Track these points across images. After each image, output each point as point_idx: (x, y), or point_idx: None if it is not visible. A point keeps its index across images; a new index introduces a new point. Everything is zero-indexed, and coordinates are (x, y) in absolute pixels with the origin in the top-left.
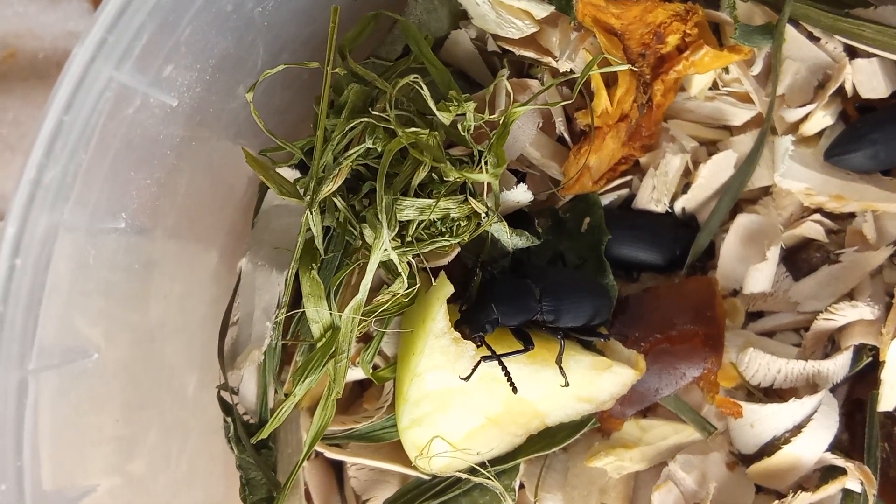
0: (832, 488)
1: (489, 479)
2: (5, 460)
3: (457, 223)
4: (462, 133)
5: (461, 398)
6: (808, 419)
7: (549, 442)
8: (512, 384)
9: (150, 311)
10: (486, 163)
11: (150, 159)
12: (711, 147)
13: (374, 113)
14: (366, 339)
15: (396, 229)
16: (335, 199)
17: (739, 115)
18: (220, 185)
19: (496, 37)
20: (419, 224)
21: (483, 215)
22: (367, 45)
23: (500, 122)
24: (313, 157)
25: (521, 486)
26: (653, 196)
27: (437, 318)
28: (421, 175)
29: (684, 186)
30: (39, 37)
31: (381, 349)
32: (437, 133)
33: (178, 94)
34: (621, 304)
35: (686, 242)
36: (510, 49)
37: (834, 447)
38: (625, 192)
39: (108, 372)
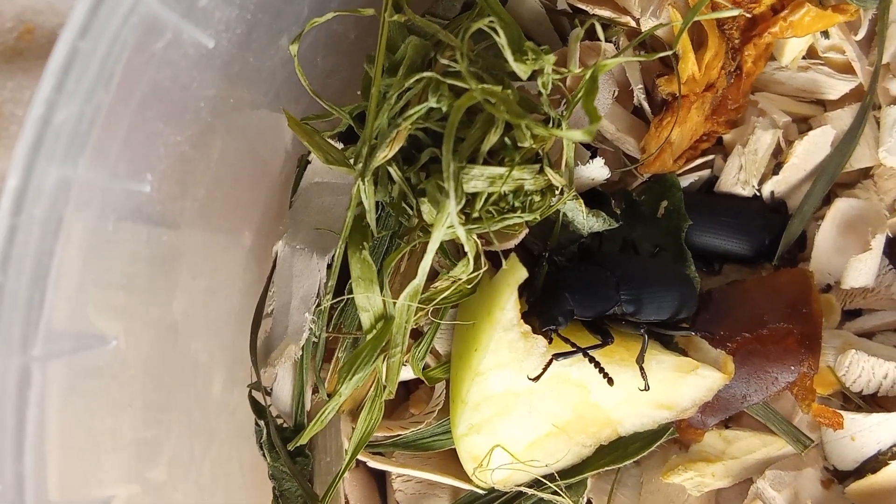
0: None
1: (557, 493)
2: (3, 463)
3: (530, 198)
4: (541, 90)
5: (527, 402)
6: None
7: (620, 454)
8: (607, 376)
9: (174, 299)
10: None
11: (181, 111)
12: (802, 124)
13: (442, 62)
14: (414, 334)
15: (463, 202)
16: (390, 169)
17: (837, 87)
18: (254, 158)
19: None
20: (488, 197)
21: (558, 191)
22: (421, 3)
23: (587, 76)
24: (367, 119)
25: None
26: (739, 177)
27: (507, 308)
28: (493, 139)
29: (775, 167)
30: (60, 13)
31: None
32: (511, 90)
33: (215, 34)
34: (703, 298)
35: (777, 230)
36: (583, 7)
37: None
38: (706, 172)
39: (127, 367)
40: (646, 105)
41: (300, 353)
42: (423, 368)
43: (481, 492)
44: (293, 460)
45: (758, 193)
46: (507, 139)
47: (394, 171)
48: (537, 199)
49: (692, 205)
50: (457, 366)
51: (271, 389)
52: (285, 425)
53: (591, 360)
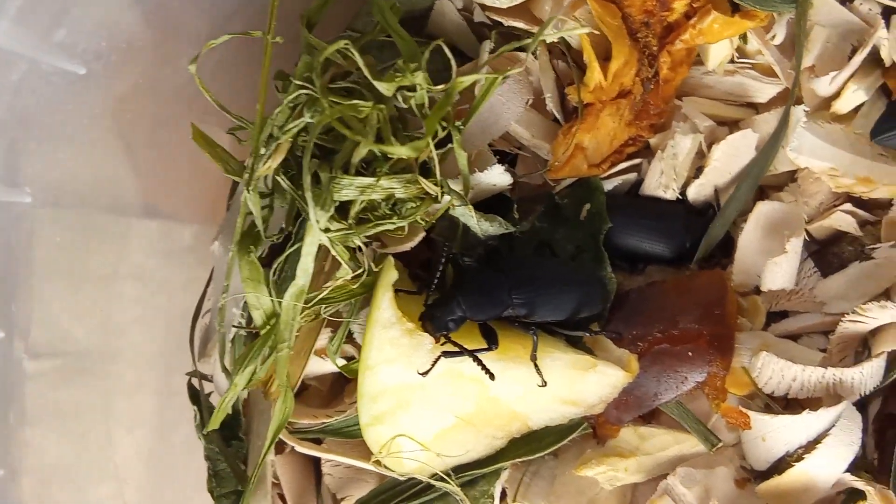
0: None
1: (456, 487)
2: None
3: (402, 205)
4: (412, 106)
5: (423, 395)
6: (824, 434)
7: (535, 446)
8: (489, 372)
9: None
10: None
11: (59, 130)
12: (734, 127)
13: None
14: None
15: (332, 210)
16: (278, 178)
17: (764, 90)
18: (194, 166)
19: (484, 6)
20: (363, 205)
21: (437, 197)
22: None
23: (446, 94)
24: (252, 133)
25: (505, 494)
26: (661, 181)
27: (382, 307)
28: (361, 151)
29: (697, 171)
30: None
31: (357, 340)
32: (383, 106)
33: (83, 62)
34: (621, 298)
35: (698, 233)
36: (499, 19)
37: (858, 467)
38: (632, 176)
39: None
40: (556, 112)
41: (231, 345)
42: (350, 360)
43: (401, 478)
44: (227, 444)
45: (680, 197)
46: (376, 151)
47: (282, 180)
48: (411, 206)
49: (616, 207)
50: (359, 360)
51: (213, 377)
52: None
53: (476, 360)
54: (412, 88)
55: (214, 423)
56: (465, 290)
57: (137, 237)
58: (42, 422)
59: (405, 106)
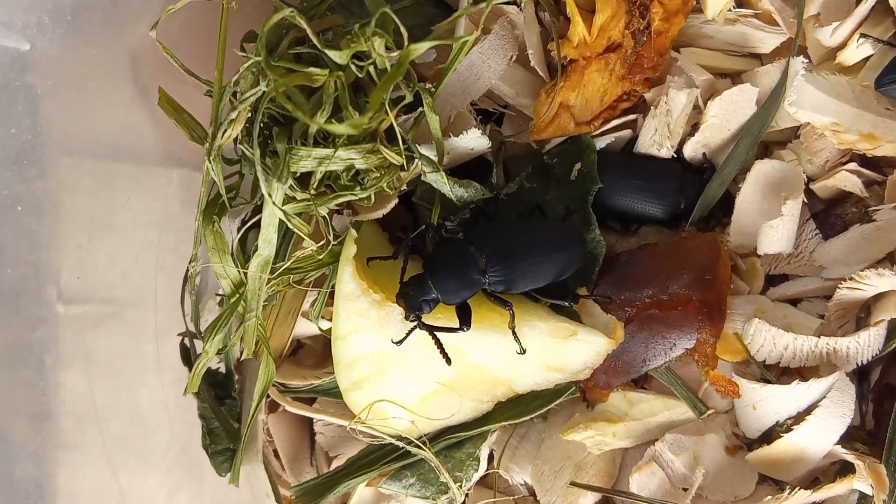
0: (839, 487)
1: (431, 454)
2: None
3: (368, 175)
4: (370, 71)
5: (400, 362)
6: (814, 406)
7: (521, 410)
8: (446, 356)
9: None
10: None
11: (10, 103)
12: (737, 79)
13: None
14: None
15: (288, 183)
16: (243, 147)
17: (767, 40)
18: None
19: None
20: (324, 176)
21: (404, 165)
22: None
23: (396, 64)
24: (213, 102)
25: (492, 456)
26: (655, 139)
27: (344, 281)
28: (320, 120)
29: (693, 127)
30: None
31: None
32: (341, 73)
33: (25, 38)
34: (611, 261)
35: (695, 192)
36: None
37: (854, 438)
38: (627, 133)
39: None
40: (540, 70)
41: (217, 306)
42: None
43: (391, 438)
44: (221, 402)
45: (675, 155)
46: (334, 121)
47: (245, 149)
48: (374, 175)
49: (609, 166)
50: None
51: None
52: (221, 370)
53: (437, 342)
54: (370, 54)
55: (192, 386)
56: (436, 270)
57: (157, 186)
58: (75, 365)
59: (361, 75)
